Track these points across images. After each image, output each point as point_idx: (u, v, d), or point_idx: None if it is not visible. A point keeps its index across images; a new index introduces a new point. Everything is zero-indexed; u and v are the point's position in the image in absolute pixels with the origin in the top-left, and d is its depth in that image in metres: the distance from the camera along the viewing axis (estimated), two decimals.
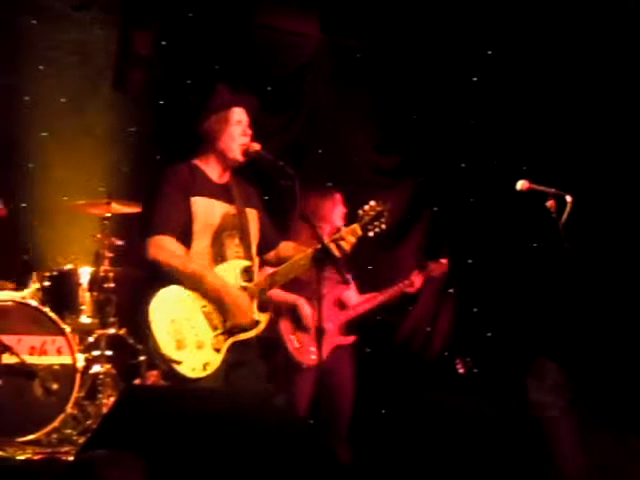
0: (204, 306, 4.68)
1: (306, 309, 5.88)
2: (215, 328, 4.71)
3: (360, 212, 4.75)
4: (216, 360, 4.68)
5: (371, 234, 4.75)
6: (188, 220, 4.68)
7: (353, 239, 4.77)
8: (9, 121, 7.20)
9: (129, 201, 6.49)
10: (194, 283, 4.65)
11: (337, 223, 5.92)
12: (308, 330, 5.92)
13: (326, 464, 4.19)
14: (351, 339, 6.17)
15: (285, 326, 5.88)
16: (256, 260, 4.92)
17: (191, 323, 4.69)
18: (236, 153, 4.72)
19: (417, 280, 6.15)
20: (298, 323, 5.87)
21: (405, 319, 7.43)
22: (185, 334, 4.68)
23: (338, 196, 6.15)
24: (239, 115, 4.77)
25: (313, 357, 5.90)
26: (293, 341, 5.94)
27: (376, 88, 7.61)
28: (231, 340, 4.69)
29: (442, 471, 4.40)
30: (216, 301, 4.71)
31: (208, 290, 4.71)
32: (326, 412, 5.80)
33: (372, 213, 4.73)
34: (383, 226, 4.74)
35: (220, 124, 4.75)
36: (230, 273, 4.76)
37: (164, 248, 4.66)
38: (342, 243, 4.73)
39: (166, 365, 4.73)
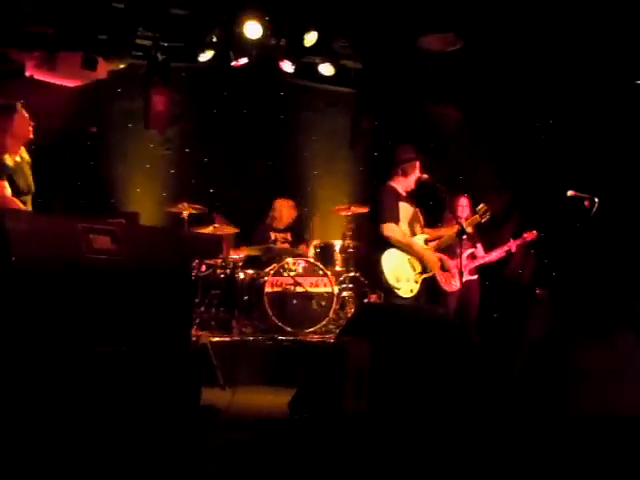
0: (410, 259, 6.12)
1: (448, 261, 6.96)
2: (414, 270, 6.15)
3: (477, 209, 6.41)
4: (416, 288, 6.12)
5: (483, 221, 6.41)
6: (398, 214, 6.16)
7: (474, 223, 6.46)
8: None
9: (359, 205, 8.15)
10: (408, 248, 6.06)
11: (461, 214, 7.26)
12: (449, 271, 7.19)
13: (465, 344, 5.24)
14: (476, 277, 7.75)
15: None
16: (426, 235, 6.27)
17: (403, 268, 6.09)
18: (413, 183, 6.34)
19: (514, 245, 7.58)
20: (443, 269, 7.03)
21: (507, 267, 8.29)
22: (400, 273, 6.06)
23: (463, 200, 7.58)
24: (416, 164, 6.27)
25: (454, 287, 7.36)
26: (441, 278, 7.36)
27: (496, 145, 8.58)
28: (422, 277, 6.14)
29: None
30: (419, 258, 6.13)
31: (414, 253, 6.11)
32: (463, 317, 7.53)
33: (482, 209, 6.34)
34: (488, 216, 6.34)
35: (407, 168, 6.30)
36: (419, 241, 6.27)
37: (393, 230, 6.06)
38: (469, 227, 6.37)
39: (391, 291, 6.04)
